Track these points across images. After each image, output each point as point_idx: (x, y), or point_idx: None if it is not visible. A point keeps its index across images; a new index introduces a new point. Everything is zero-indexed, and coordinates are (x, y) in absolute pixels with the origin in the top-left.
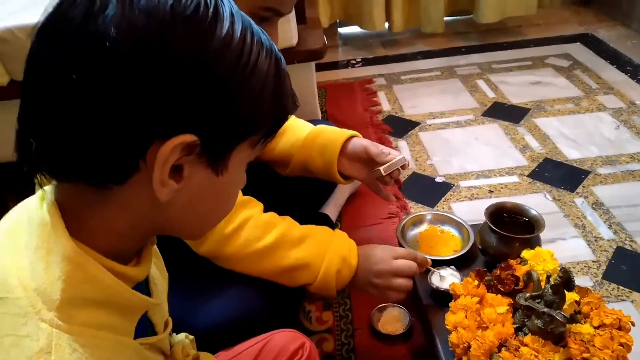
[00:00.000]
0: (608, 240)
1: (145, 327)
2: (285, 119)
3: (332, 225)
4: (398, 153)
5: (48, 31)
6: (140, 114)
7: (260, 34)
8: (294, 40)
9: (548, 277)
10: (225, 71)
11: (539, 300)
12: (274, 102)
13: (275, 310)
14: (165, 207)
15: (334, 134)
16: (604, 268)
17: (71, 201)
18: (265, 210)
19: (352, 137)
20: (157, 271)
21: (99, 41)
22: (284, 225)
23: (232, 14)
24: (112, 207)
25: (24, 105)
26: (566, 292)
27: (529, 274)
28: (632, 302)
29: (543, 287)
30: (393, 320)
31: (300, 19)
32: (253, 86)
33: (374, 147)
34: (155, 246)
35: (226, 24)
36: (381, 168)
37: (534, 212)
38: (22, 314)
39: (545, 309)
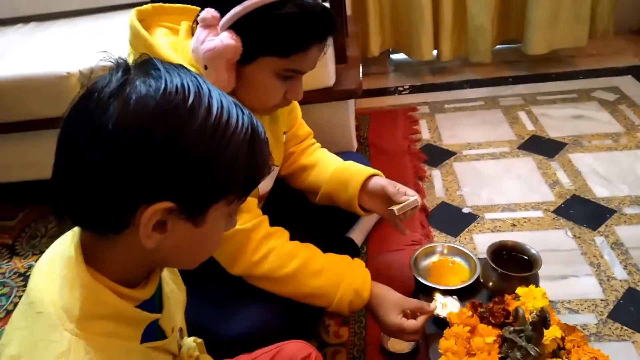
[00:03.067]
0: (620, 280)
1: (155, 333)
2: (259, 182)
3: (357, 249)
4: (413, 193)
5: (70, 119)
6: (128, 186)
7: (237, 114)
8: (331, 82)
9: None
10: (197, 153)
11: (521, 335)
12: (246, 170)
13: (296, 322)
14: (156, 250)
15: (356, 173)
16: (611, 307)
17: (89, 241)
18: (297, 232)
19: (373, 175)
20: (173, 286)
21: (100, 132)
22: (305, 256)
23: (209, 104)
24: (116, 249)
25: (53, 169)
26: (545, 329)
27: (516, 310)
28: (633, 342)
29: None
30: (401, 340)
31: (341, 59)
32: (225, 160)
33: (391, 187)
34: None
35: (201, 115)
36: (395, 208)
37: (533, 251)
38: (52, 324)
39: (524, 343)
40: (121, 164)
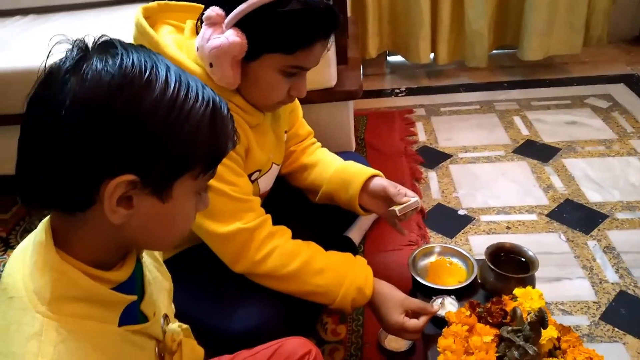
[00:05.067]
0: (612, 283)
1: (137, 318)
2: (222, 156)
3: (355, 248)
4: (414, 194)
5: (31, 102)
6: (89, 161)
7: (197, 88)
8: (332, 82)
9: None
10: (156, 125)
11: (519, 335)
12: (208, 144)
13: (295, 320)
14: (124, 227)
15: (357, 173)
16: (603, 309)
17: (59, 224)
18: (296, 230)
19: (373, 175)
20: (157, 273)
21: (58, 109)
22: (307, 254)
23: (166, 78)
24: (85, 228)
25: (18, 153)
26: (542, 329)
27: (514, 310)
28: (624, 344)
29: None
30: (398, 338)
31: (342, 60)
32: (185, 132)
33: (392, 188)
34: (156, 254)
35: (158, 88)
36: (396, 209)
37: (530, 253)
38: (23, 308)
39: (522, 343)
40: (81, 139)
